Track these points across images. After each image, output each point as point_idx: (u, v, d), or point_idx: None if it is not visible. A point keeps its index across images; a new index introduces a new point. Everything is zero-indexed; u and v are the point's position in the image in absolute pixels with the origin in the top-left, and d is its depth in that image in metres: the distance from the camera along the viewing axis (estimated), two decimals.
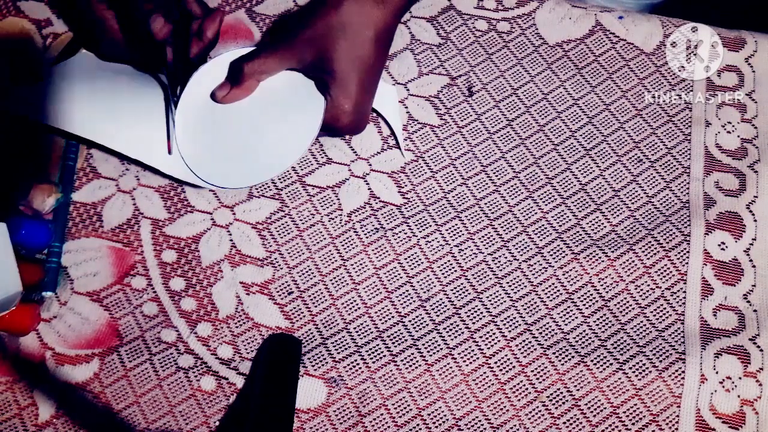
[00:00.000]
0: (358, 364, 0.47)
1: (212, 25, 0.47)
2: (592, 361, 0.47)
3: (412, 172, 0.51)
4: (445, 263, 0.49)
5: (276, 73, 0.47)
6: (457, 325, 0.48)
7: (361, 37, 0.44)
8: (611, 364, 0.47)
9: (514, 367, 0.47)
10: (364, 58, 0.44)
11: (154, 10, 0.45)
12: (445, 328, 0.48)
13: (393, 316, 0.48)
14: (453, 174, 0.51)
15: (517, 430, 0.46)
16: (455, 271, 0.49)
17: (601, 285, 0.49)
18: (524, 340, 0.47)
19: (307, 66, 0.45)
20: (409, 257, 0.49)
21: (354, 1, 0.44)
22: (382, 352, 0.47)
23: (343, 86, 0.45)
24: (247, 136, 0.47)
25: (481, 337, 0.47)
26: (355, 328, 0.48)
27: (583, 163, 0.52)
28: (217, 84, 0.48)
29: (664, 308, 0.48)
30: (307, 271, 0.49)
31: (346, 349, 0.47)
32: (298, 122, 0.47)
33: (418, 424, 0.46)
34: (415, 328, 0.48)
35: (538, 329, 0.48)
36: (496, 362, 0.47)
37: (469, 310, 0.48)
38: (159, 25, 0.45)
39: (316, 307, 0.48)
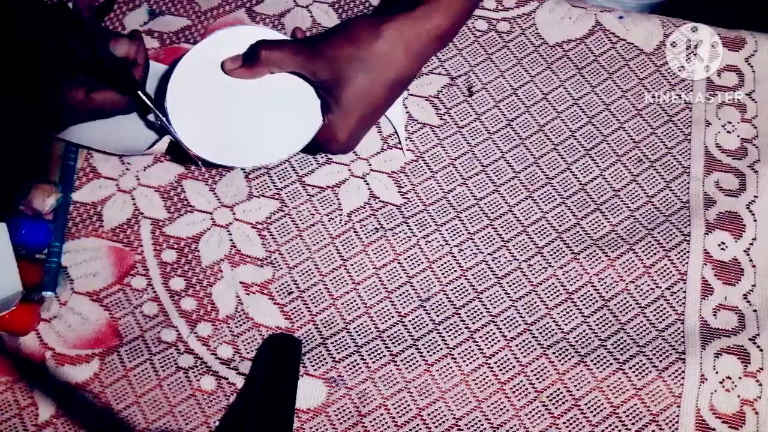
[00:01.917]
0: (358, 364, 0.47)
1: (139, 51, 0.46)
2: (592, 361, 0.47)
3: (412, 172, 0.51)
4: (445, 263, 0.49)
5: (287, 72, 0.46)
6: (457, 325, 0.48)
7: (381, 78, 0.43)
8: (611, 364, 0.47)
9: (514, 367, 0.47)
10: (375, 98, 0.44)
11: (108, 38, 0.44)
12: (445, 328, 0.48)
13: (393, 316, 0.48)
14: (453, 174, 0.51)
15: (517, 430, 0.46)
16: (455, 271, 0.49)
17: (601, 285, 0.49)
18: (524, 340, 0.47)
19: (319, 81, 0.44)
20: (409, 257, 0.49)
21: (387, 42, 0.42)
22: (382, 352, 0.47)
23: (344, 117, 0.44)
24: (234, 116, 0.47)
25: (481, 337, 0.47)
26: (355, 328, 0.48)
27: (583, 163, 0.52)
28: (226, 52, 0.46)
29: (664, 308, 0.48)
30: (307, 271, 0.49)
31: (346, 349, 0.47)
32: (288, 130, 0.46)
33: (418, 424, 0.46)
34: (415, 328, 0.48)
35: (538, 329, 0.48)
36: (496, 362, 0.47)
37: (469, 310, 0.48)
38: (125, 46, 0.45)
39: (316, 307, 0.48)
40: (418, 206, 0.51)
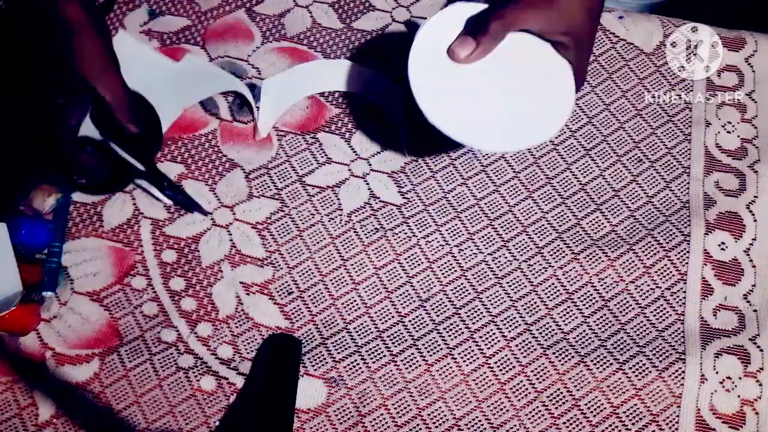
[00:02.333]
0: (358, 364, 0.47)
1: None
2: (592, 361, 0.47)
3: (412, 172, 0.51)
4: (445, 263, 0.49)
5: (516, 31, 0.44)
6: (457, 325, 0.48)
7: (591, 4, 0.43)
8: (611, 364, 0.47)
9: (514, 367, 0.47)
10: (595, 12, 0.43)
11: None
12: (445, 328, 0.48)
13: (393, 316, 0.48)
14: (453, 174, 0.51)
15: (517, 430, 0.46)
16: (455, 271, 0.49)
17: (601, 285, 0.49)
18: (524, 340, 0.47)
19: (552, 24, 0.42)
20: (409, 257, 0.49)
21: None
22: (382, 352, 0.47)
23: (582, 47, 0.43)
24: (496, 99, 0.44)
25: (481, 337, 0.47)
26: (355, 328, 0.48)
27: (583, 163, 0.52)
28: (447, 39, 0.44)
29: (664, 308, 0.48)
30: (307, 271, 0.49)
31: (346, 349, 0.47)
32: (549, 88, 0.44)
33: (418, 424, 0.46)
34: (415, 328, 0.48)
35: (538, 329, 0.48)
36: (496, 362, 0.47)
37: (469, 310, 0.48)
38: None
39: (316, 307, 0.48)
40: (418, 206, 0.51)
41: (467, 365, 0.47)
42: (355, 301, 0.48)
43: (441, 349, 0.47)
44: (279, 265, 0.49)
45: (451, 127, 0.43)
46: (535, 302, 0.48)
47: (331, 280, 0.49)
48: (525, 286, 0.49)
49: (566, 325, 0.48)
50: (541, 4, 0.42)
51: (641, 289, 0.49)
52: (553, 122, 0.44)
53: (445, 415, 0.46)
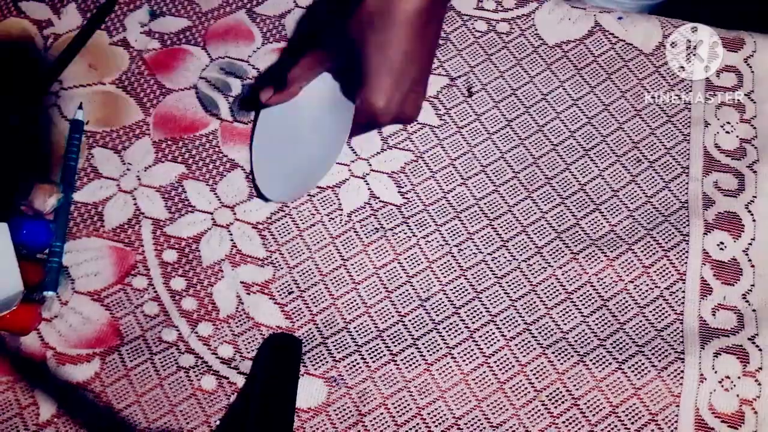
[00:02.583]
0: (358, 363, 0.47)
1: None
2: (591, 360, 0.47)
3: (412, 172, 0.52)
4: (445, 263, 0.49)
5: (316, 77, 0.48)
6: (457, 325, 0.48)
7: (390, 25, 0.41)
8: (610, 363, 0.47)
9: (513, 366, 0.47)
10: (394, 47, 0.41)
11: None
12: (444, 328, 0.48)
13: (393, 316, 0.48)
14: (453, 174, 0.52)
15: (517, 429, 0.46)
16: (455, 271, 0.49)
17: (600, 285, 0.49)
18: (524, 340, 0.48)
19: (341, 67, 0.44)
20: (409, 257, 0.49)
21: None
22: (382, 351, 0.47)
23: (372, 83, 0.42)
24: (287, 148, 0.49)
25: (480, 336, 0.48)
26: (355, 328, 0.48)
27: (583, 163, 0.52)
28: (284, 116, 0.50)
29: (663, 308, 0.48)
30: (307, 271, 0.49)
31: (346, 348, 0.47)
32: (330, 129, 0.47)
33: (418, 424, 0.46)
34: (415, 327, 0.48)
35: (537, 329, 0.48)
36: (495, 362, 0.47)
37: (469, 310, 0.48)
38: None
39: (316, 306, 0.48)
40: (418, 206, 0.51)
41: (467, 365, 0.47)
42: (355, 300, 0.48)
43: (441, 348, 0.47)
44: (279, 265, 0.49)
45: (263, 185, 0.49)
46: (535, 302, 0.48)
47: (331, 279, 0.49)
48: (524, 286, 0.49)
49: (565, 324, 0.48)
50: (327, 51, 0.45)
51: (640, 289, 0.49)
52: (319, 170, 0.48)
53: (444, 415, 0.46)
